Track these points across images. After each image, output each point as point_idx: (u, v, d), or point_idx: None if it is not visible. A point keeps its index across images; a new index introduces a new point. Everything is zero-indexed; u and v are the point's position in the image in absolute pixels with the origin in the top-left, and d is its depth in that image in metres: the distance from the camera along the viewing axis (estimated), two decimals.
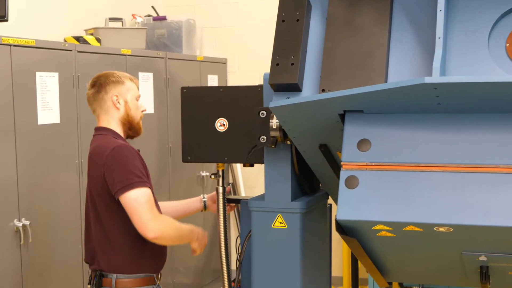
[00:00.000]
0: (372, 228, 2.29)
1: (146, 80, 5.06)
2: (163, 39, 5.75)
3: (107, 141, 2.96)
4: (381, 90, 2.25)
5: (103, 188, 2.92)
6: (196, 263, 5.91)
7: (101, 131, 3.05)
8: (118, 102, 3.03)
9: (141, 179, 2.87)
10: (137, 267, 2.97)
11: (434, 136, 2.30)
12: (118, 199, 2.87)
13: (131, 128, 3.08)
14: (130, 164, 2.88)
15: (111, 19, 5.19)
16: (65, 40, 4.56)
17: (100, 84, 3.06)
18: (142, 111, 3.13)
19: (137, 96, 3.10)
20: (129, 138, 3.12)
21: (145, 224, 2.83)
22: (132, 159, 2.90)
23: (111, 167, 2.88)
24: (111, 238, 2.96)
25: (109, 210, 2.95)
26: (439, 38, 2.29)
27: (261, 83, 2.98)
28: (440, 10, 2.32)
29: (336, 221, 2.29)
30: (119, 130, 3.05)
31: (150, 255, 2.99)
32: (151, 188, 2.94)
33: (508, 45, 2.35)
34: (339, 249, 5.62)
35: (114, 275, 2.95)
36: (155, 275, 3.03)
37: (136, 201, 2.83)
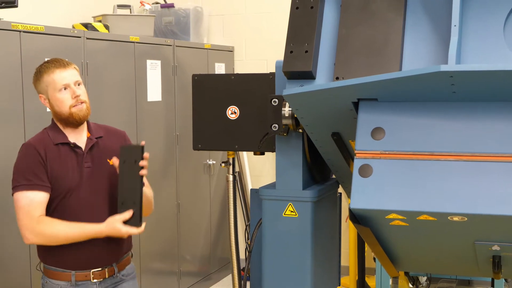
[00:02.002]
0: (386, 217, 2.28)
1: (154, 67, 5.04)
2: (171, 27, 5.73)
3: (33, 137, 3.01)
4: (396, 78, 2.23)
5: None
6: (202, 251, 5.92)
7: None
8: (45, 102, 2.99)
9: (30, 181, 2.86)
10: (50, 261, 2.97)
11: (449, 124, 2.28)
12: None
13: (67, 122, 2.96)
14: (22, 165, 2.89)
15: (119, 6, 5.17)
16: (73, 27, 4.54)
17: (33, 81, 3.06)
18: (75, 97, 2.92)
19: (60, 88, 2.92)
20: (76, 127, 2.98)
21: (20, 228, 2.89)
22: (26, 159, 2.90)
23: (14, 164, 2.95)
24: None
25: None
26: (455, 25, 2.28)
27: (268, 71, 2.97)
28: None
29: (350, 210, 2.27)
30: (59, 123, 2.99)
31: (59, 252, 2.93)
32: (48, 189, 2.89)
33: None
34: (345, 238, 5.61)
35: (42, 263, 3.05)
36: (73, 272, 2.94)
37: (16, 204, 2.88)
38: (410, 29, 2.44)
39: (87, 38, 4.31)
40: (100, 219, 2.91)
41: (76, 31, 4.25)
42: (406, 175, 2.26)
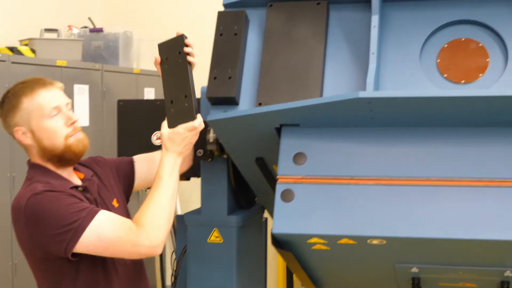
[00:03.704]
0: (307, 241, 2.31)
1: (82, 92, 4.99)
2: (100, 51, 5.69)
3: (24, 189, 2.26)
4: (317, 104, 2.28)
5: (31, 248, 2.25)
6: None
7: (29, 170, 2.37)
8: (25, 136, 2.30)
9: (83, 212, 2.17)
10: None
11: (368, 149, 2.34)
12: (70, 256, 2.19)
13: (62, 160, 2.30)
14: (59, 206, 2.17)
15: (47, 30, 5.11)
16: None
17: (0, 113, 2.35)
18: (71, 123, 2.30)
19: (50, 113, 2.27)
20: (73, 164, 2.38)
21: (137, 248, 2.20)
22: (58, 200, 2.19)
23: (36, 225, 2.17)
24: None
25: (38, 270, 2.32)
26: (373, 53, 2.34)
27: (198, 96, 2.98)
28: (374, 26, 2.37)
29: (272, 235, 2.29)
30: (49, 165, 2.33)
31: None
32: (104, 205, 2.36)
33: (439, 60, 2.41)
34: (274, 263, 5.62)
35: None
36: None
37: (100, 239, 2.17)
38: (331, 56, 2.49)
39: (12, 62, 4.24)
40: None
41: (1, 55, 4.18)
42: (327, 200, 2.30)
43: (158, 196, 2.28)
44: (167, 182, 2.31)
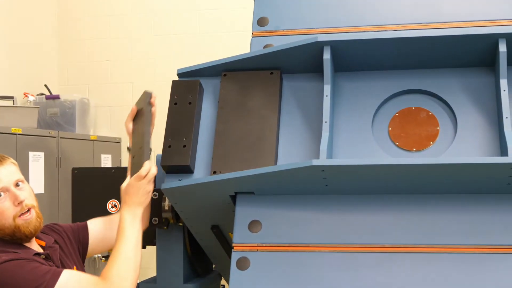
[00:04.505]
0: None
1: (37, 159, 4.95)
2: (56, 118, 5.68)
3: None
4: (271, 172, 2.30)
5: None
6: None
7: None
8: None
9: (47, 274, 2.16)
10: None
11: (322, 216, 2.36)
12: None
13: (14, 238, 2.28)
14: (24, 276, 2.15)
15: (2, 97, 5.09)
16: None
17: None
18: (18, 203, 2.27)
19: None
20: (26, 242, 2.33)
21: None
22: (22, 269, 2.16)
23: None
24: None
25: None
26: (326, 122, 2.38)
27: None
28: (326, 96, 2.42)
29: None
30: (5, 239, 2.31)
31: None
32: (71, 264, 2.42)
33: (390, 129, 2.46)
34: None
35: None
36: None
37: None
38: (284, 124, 2.53)
39: None
40: None
41: None
42: (282, 267, 2.30)
43: (122, 249, 2.30)
44: (130, 234, 2.32)
